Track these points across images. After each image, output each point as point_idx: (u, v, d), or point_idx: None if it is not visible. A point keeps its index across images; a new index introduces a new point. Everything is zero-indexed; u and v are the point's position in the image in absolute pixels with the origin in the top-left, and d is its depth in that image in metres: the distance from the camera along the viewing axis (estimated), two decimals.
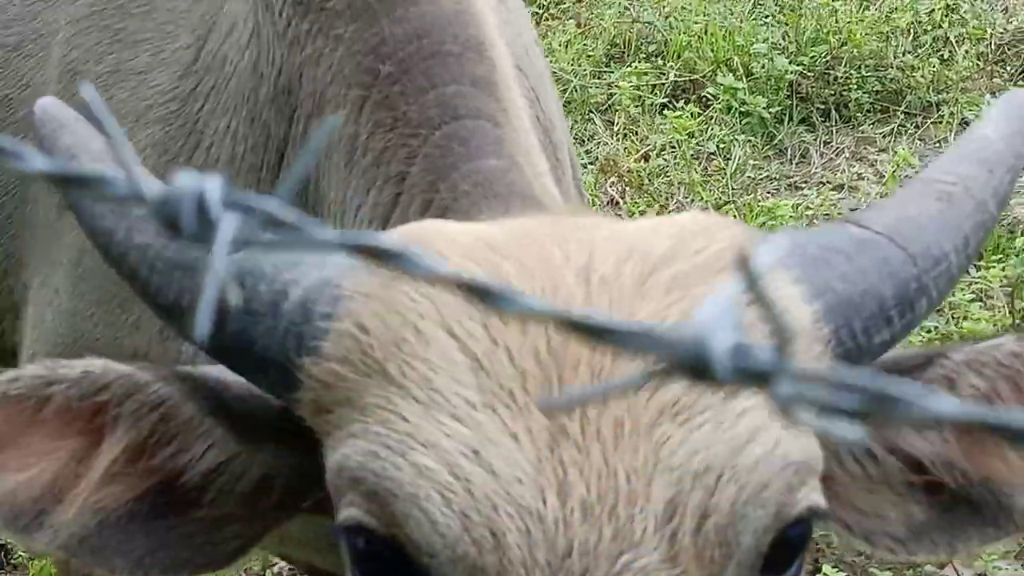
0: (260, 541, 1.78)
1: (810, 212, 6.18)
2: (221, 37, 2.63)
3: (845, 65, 7.01)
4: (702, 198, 6.20)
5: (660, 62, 7.24)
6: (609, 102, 7.03)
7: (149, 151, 2.66)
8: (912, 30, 7.33)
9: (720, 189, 6.34)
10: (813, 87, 6.99)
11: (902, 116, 6.83)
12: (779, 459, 1.47)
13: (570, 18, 7.79)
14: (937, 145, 6.73)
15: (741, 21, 7.46)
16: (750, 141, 6.69)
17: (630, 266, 1.55)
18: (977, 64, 7.21)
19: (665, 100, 6.96)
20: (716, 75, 6.94)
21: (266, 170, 2.52)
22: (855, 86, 6.95)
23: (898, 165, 6.15)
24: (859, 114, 6.93)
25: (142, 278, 1.71)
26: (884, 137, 6.78)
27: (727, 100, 6.77)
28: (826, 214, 6.14)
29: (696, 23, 7.45)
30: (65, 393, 1.64)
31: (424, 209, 2.17)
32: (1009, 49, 7.33)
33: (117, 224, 1.72)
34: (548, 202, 2.15)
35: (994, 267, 5.54)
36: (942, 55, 7.20)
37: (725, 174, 6.43)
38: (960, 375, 1.69)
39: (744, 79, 6.87)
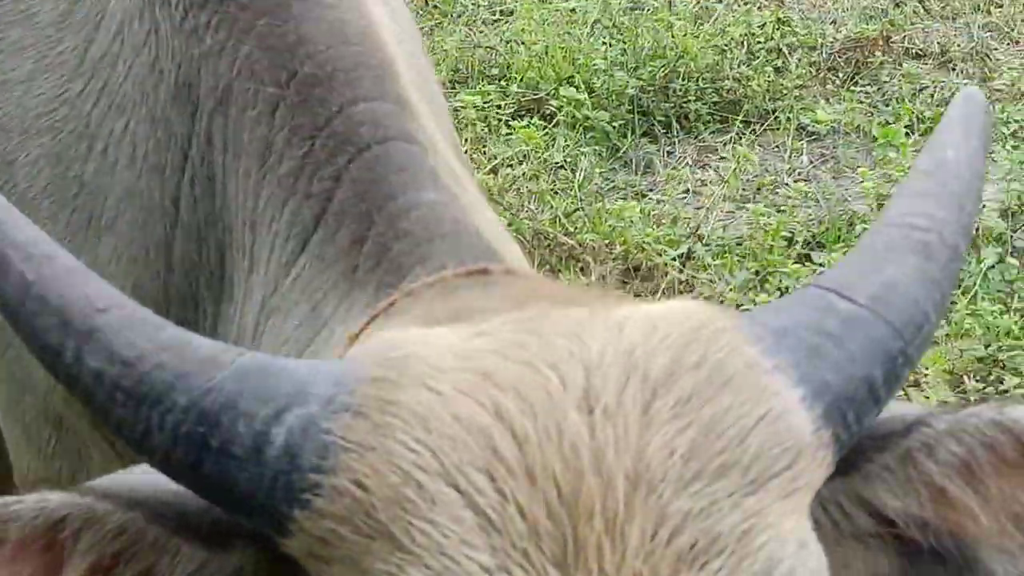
0: None
1: (656, 213, 6.30)
2: (110, 36, 2.50)
3: (683, 78, 7.18)
4: (552, 207, 6.27)
5: (503, 83, 7.33)
6: (455, 121, 7.08)
7: (42, 163, 2.52)
8: (746, 42, 7.56)
9: (570, 199, 6.42)
10: (653, 100, 7.14)
11: (740, 124, 6.99)
12: None
13: None
14: (776, 150, 6.93)
15: (580, 41, 7.61)
16: (596, 151, 6.80)
17: (631, 391, 1.46)
18: (810, 72, 7.46)
19: (510, 118, 7.04)
20: (559, 91, 7.05)
21: (170, 170, 2.38)
22: (694, 98, 7.12)
23: (739, 162, 6.32)
24: (699, 124, 7.09)
25: (101, 405, 1.54)
26: (724, 145, 6.94)
27: (571, 113, 6.88)
28: (672, 215, 6.27)
29: (536, 44, 7.58)
30: (20, 531, 1.52)
31: (356, 241, 2.06)
32: (840, 56, 7.59)
33: (64, 343, 1.54)
34: (498, 247, 2.06)
35: (836, 253, 5.72)
36: (776, 65, 7.44)
37: (573, 184, 6.51)
38: (939, 442, 1.65)
39: (586, 95, 6.99)
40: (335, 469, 1.45)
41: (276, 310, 2.16)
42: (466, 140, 6.76)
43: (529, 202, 6.38)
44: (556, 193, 6.46)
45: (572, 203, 6.36)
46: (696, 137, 7.04)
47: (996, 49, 7.81)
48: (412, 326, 1.69)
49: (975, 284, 5.48)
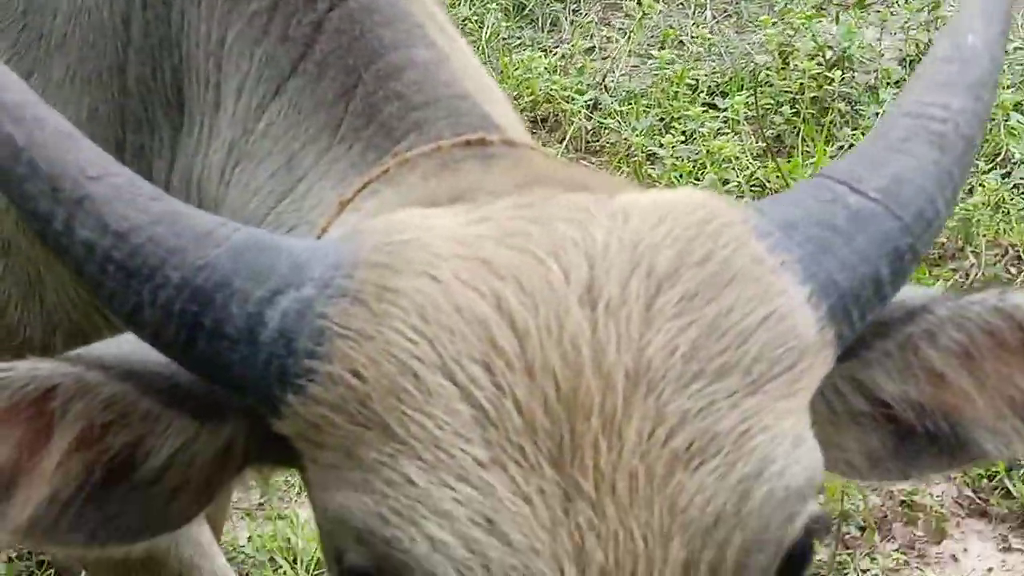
0: (212, 501, 1.65)
1: (563, 64, 6.34)
2: None
3: None
4: None
5: None
6: None
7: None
8: None
9: (478, 53, 6.41)
10: None
11: None
12: (782, 492, 1.40)
13: None
14: (680, 6, 6.99)
15: None
16: (502, 7, 6.82)
17: (634, 286, 1.43)
18: None
19: None
20: None
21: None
22: None
23: (644, 11, 6.37)
24: None
25: (91, 276, 1.50)
26: (629, 2, 6.97)
27: None
28: (579, 66, 6.32)
29: None
30: (9, 399, 1.49)
31: (341, 96, 1.98)
32: None
33: (53, 210, 1.50)
34: (492, 111, 1.97)
35: (739, 96, 5.82)
36: None
37: (480, 39, 6.53)
38: (941, 329, 1.64)
39: None
40: (330, 356, 1.43)
41: (247, 156, 2.08)
42: None
43: None
44: None
45: (480, 57, 6.36)
46: None
47: None
48: (411, 204, 1.66)
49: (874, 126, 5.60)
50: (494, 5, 6.78)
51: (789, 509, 1.41)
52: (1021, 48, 6.31)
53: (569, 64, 6.39)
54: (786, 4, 6.40)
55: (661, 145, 5.59)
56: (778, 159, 5.36)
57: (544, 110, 6.03)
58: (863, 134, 5.53)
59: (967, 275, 4.89)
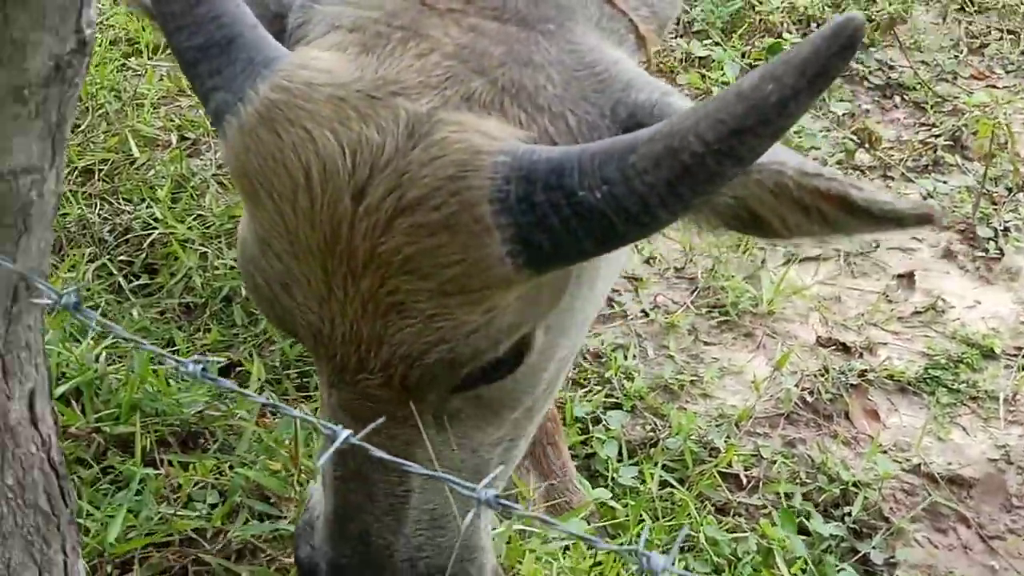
0: None
1: None
2: None
3: None
4: None
5: None
6: None
7: None
8: None
9: None
10: None
11: None
12: (448, 360, 2.02)
13: None
14: None
15: None
16: None
17: (388, 202, 1.96)
18: None
19: None
20: None
21: None
22: None
23: None
24: None
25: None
26: None
27: None
28: None
29: None
30: None
31: None
32: None
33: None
34: None
35: None
36: None
37: None
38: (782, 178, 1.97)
39: None
40: (231, 138, 2.02)
41: None
42: None
43: None
44: None
45: None
46: None
47: None
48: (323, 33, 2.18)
49: None
50: None
51: (456, 370, 2.05)
52: None
53: None
54: None
55: None
56: None
57: None
58: None
59: None
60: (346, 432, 1.80)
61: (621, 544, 3.10)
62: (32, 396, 2.08)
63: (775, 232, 2.03)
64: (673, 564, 1.49)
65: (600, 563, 3.16)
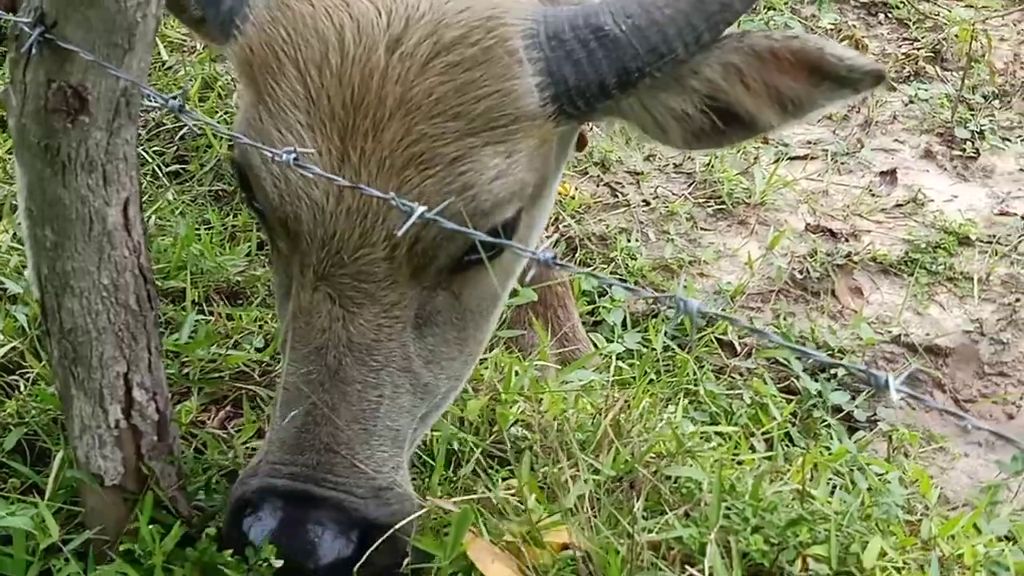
0: None
1: None
2: None
3: None
4: None
5: None
6: None
7: None
8: None
9: None
10: None
11: None
12: (471, 209, 2.15)
13: None
14: None
15: None
16: None
17: (424, 47, 2.11)
18: None
19: None
20: None
21: None
22: None
23: None
24: None
25: None
26: None
27: None
28: None
29: None
30: None
31: None
32: None
33: None
34: None
35: None
36: None
37: None
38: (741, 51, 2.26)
39: None
40: (245, 32, 2.22)
41: None
42: None
43: None
44: None
45: None
46: None
47: None
48: None
49: None
50: None
51: (480, 221, 2.15)
52: None
53: None
54: None
55: None
56: None
57: None
58: None
59: None
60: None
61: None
62: (127, 204, 2.32)
63: (740, 121, 2.31)
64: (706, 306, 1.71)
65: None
